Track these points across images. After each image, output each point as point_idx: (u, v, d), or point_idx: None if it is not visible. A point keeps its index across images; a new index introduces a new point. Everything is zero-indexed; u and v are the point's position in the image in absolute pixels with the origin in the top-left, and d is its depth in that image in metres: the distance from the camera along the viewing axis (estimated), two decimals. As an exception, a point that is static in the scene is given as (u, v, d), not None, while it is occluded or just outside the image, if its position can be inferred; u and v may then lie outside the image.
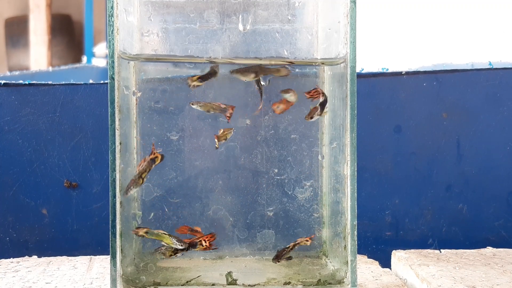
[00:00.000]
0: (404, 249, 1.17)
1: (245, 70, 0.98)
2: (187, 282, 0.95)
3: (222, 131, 0.98)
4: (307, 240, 1.01)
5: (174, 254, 0.98)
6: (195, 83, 0.96)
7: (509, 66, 1.36)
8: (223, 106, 0.97)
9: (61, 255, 1.17)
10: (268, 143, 1.02)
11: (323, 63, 1.01)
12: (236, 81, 1.00)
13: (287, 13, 1.00)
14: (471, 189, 1.36)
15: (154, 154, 0.97)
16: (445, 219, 1.36)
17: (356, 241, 0.96)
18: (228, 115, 0.97)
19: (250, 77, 0.98)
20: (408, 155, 1.35)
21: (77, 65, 3.65)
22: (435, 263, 1.09)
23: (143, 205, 1.00)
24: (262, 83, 1.01)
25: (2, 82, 1.29)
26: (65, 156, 1.30)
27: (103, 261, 1.12)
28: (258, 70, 0.98)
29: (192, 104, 0.97)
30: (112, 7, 0.92)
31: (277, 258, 1.00)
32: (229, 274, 0.96)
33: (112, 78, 0.92)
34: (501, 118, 1.35)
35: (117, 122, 0.93)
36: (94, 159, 1.30)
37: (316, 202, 1.03)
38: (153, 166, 0.97)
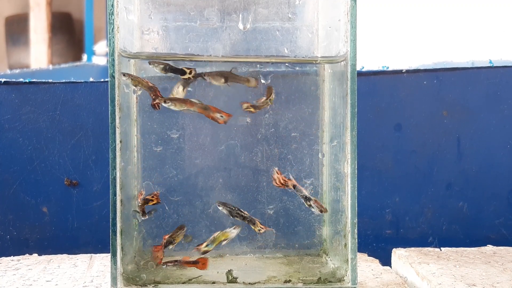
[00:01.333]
0: (405, 247, 1.17)
1: (216, 74, 0.97)
2: (189, 280, 0.95)
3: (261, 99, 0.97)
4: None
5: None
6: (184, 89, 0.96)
7: (510, 64, 1.36)
8: (150, 84, 0.96)
9: (62, 253, 1.17)
10: (268, 141, 1.02)
11: (323, 61, 1.01)
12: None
13: (287, 11, 1.00)
14: (471, 187, 1.36)
15: (153, 198, 0.98)
16: (446, 217, 1.36)
17: (357, 239, 0.96)
18: (153, 96, 0.95)
19: (221, 82, 0.97)
20: (408, 153, 1.35)
21: (78, 63, 3.64)
22: (436, 261, 1.09)
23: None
24: (263, 81, 1.01)
25: (3, 80, 1.29)
26: (65, 154, 1.30)
27: (104, 259, 1.12)
28: (228, 76, 0.97)
29: (124, 75, 0.95)
30: (112, 5, 0.92)
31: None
32: (229, 272, 0.96)
33: (113, 76, 0.92)
34: (502, 116, 1.35)
35: (117, 120, 0.93)
36: (94, 157, 1.30)
37: (316, 200, 1.03)
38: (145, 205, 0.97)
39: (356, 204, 0.95)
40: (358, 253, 0.97)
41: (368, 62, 1.49)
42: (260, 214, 1.03)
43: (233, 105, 1.01)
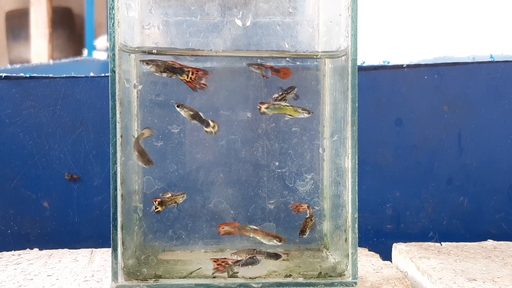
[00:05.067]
0: (405, 242, 1.17)
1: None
2: (189, 273, 0.96)
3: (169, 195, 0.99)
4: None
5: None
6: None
7: (510, 59, 1.36)
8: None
9: (63, 248, 1.17)
10: (269, 136, 1.02)
11: (324, 56, 1.01)
12: (237, 75, 1.00)
13: (288, 6, 1.00)
14: (472, 182, 1.36)
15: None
16: (446, 212, 1.36)
17: (357, 234, 0.96)
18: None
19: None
20: (409, 148, 1.35)
21: (78, 58, 3.64)
22: (436, 256, 1.09)
23: (144, 198, 1.00)
24: (263, 76, 1.01)
25: (3, 75, 1.29)
26: (66, 149, 1.30)
27: (104, 253, 1.13)
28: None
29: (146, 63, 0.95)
30: (113, 0, 0.92)
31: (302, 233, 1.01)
32: (230, 267, 0.96)
33: (113, 71, 0.92)
34: (502, 111, 1.35)
35: (118, 115, 0.93)
36: (95, 152, 1.30)
37: (317, 195, 1.03)
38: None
39: (357, 199, 0.96)
40: (358, 248, 0.97)
41: (369, 57, 1.48)
42: (261, 209, 1.03)
43: (233, 101, 1.01)
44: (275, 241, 0.98)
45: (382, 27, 2.84)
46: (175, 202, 0.99)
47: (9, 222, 1.30)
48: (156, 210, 0.98)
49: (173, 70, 0.95)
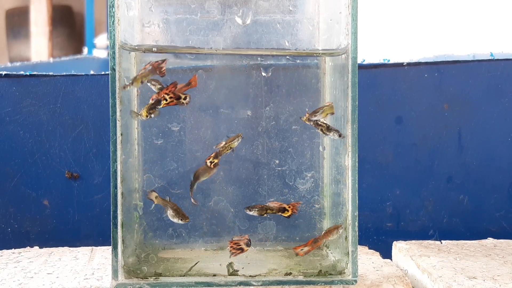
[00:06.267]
0: (405, 240, 1.17)
1: None
2: (188, 270, 0.96)
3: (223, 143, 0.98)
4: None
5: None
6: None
7: (511, 57, 1.36)
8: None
9: (63, 246, 1.17)
10: (269, 134, 1.02)
11: (324, 54, 1.01)
12: (237, 73, 1.00)
13: (288, 4, 1.00)
14: (472, 180, 1.36)
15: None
16: (446, 210, 1.36)
17: (357, 232, 0.96)
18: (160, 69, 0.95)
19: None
20: (409, 146, 1.35)
21: (78, 56, 3.64)
22: (436, 254, 1.09)
23: (144, 196, 1.00)
24: (264, 74, 1.01)
25: (3, 73, 1.29)
26: (66, 147, 1.30)
27: (105, 251, 1.13)
28: None
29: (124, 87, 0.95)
30: (113, -2, 0.92)
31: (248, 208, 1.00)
32: (230, 264, 0.96)
33: (113, 69, 0.92)
34: (503, 109, 1.35)
35: (118, 113, 0.93)
36: (95, 150, 1.30)
37: (317, 193, 1.03)
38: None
39: (357, 197, 0.96)
40: (358, 246, 0.97)
41: (369, 55, 1.48)
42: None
43: (234, 99, 1.01)
44: (340, 231, 0.98)
45: (382, 25, 2.84)
46: (231, 148, 0.98)
47: (9, 220, 1.30)
48: (213, 163, 0.98)
49: (153, 106, 0.95)
